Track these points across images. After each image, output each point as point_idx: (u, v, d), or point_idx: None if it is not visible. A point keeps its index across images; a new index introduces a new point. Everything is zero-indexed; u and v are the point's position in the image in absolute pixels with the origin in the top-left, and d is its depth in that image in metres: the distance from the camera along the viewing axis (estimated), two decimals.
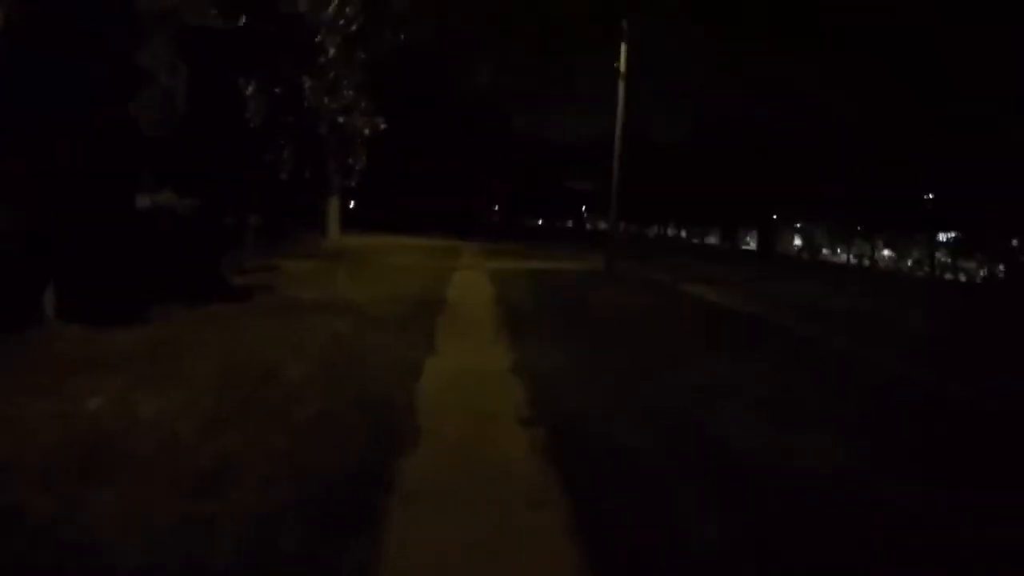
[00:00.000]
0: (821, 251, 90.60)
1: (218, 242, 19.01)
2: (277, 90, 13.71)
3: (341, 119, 15.56)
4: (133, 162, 12.14)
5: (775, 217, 71.90)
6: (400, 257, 26.43)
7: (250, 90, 13.07)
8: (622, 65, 20.91)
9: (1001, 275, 61.51)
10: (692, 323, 14.33)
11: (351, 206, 59.03)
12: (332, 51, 14.89)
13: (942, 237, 69.11)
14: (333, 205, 34.36)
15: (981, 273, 67.65)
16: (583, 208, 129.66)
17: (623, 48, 20.88)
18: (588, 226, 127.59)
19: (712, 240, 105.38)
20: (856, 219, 72.79)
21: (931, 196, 59.30)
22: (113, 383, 7.07)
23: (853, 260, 79.46)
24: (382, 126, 17.13)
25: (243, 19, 13.18)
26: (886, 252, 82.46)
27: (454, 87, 50.64)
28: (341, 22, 14.94)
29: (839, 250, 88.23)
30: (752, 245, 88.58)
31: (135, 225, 14.65)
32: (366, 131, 16.59)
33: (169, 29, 11.50)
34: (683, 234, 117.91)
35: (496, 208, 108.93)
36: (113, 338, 9.35)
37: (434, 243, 37.48)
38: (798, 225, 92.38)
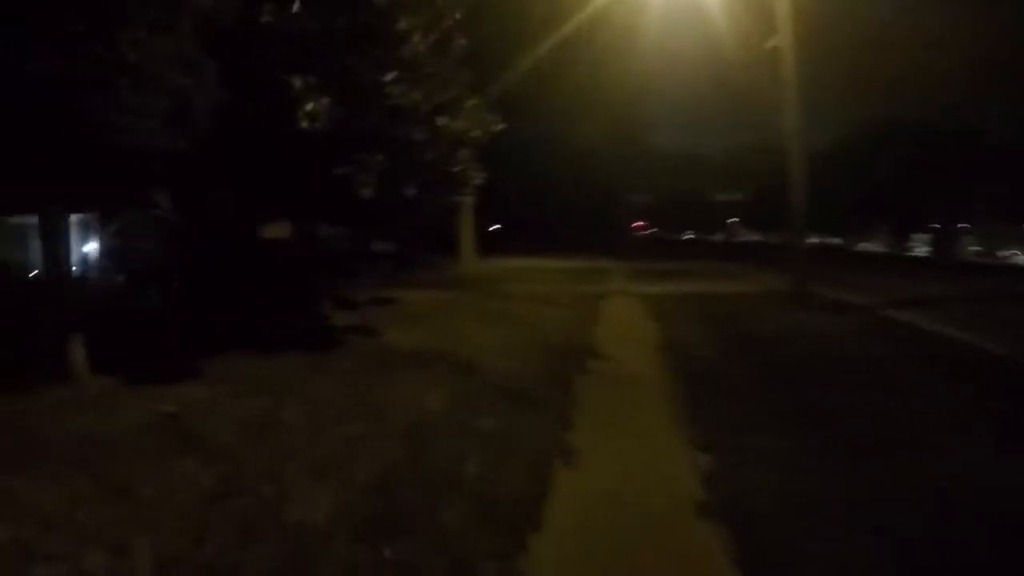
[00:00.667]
0: (996, 254, 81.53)
1: (318, 274, 16.06)
2: (346, 88, 10.19)
3: (440, 121, 11.91)
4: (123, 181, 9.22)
5: (952, 219, 65.28)
6: (540, 284, 22.63)
7: (299, 86, 9.59)
8: (784, 38, 16.30)
9: None
10: (965, 383, 9.59)
11: (492, 228, 56.36)
12: (418, 39, 11.33)
13: None
14: (466, 228, 30.98)
15: None
16: (731, 220, 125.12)
17: (783, 16, 16.25)
18: (738, 239, 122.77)
19: (868, 246, 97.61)
20: None
21: None
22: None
23: None
24: (498, 127, 13.38)
25: (296, 6, 9.81)
26: None
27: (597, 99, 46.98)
28: None
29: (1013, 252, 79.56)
30: (919, 250, 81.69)
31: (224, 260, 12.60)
32: (475, 134, 12.87)
33: (185, 19, 8.19)
34: (837, 241, 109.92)
35: (643, 224, 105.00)
36: (127, 405, 7.20)
37: (579, 265, 33.45)
38: (966, 226, 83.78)
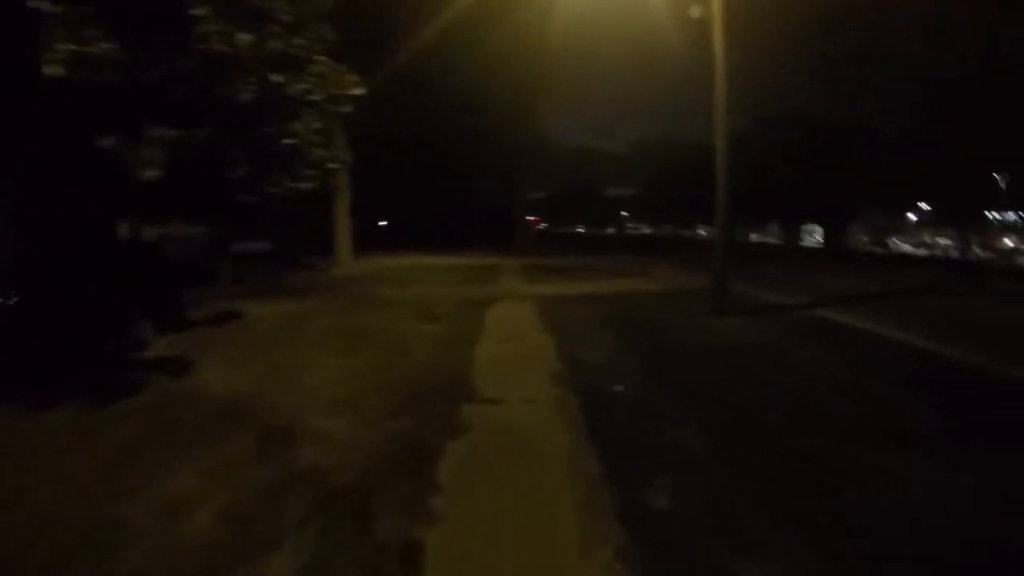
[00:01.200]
0: (884, 242, 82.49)
1: (149, 284, 12.97)
2: (133, 20, 6.94)
3: (276, 78, 8.78)
4: None
5: (841, 211, 65.45)
6: (422, 286, 19.58)
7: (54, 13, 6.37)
8: (715, 8, 13.80)
9: None
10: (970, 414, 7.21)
11: (381, 224, 53.25)
12: None
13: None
14: (342, 223, 27.66)
15: None
16: (623, 214, 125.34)
17: None
18: (629, 232, 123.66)
19: (759, 238, 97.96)
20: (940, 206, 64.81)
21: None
22: None
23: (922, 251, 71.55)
24: (357, 91, 10.33)
25: None
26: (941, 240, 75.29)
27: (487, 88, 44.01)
28: None
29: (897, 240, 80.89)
30: (809, 241, 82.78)
31: None
32: (318, 97, 9.65)
33: None
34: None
35: (536, 218, 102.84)
36: None
37: (468, 262, 30.55)
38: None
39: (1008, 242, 64.37)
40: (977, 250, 66.37)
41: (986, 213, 59.68)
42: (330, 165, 10.68)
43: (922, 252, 67.79)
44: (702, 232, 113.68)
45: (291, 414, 6.79)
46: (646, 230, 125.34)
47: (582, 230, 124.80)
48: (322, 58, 9.76)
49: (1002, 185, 51.27)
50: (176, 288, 15.23)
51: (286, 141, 9.56)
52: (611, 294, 17.76)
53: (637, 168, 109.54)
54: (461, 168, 48.39)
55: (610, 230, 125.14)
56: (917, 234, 78.87)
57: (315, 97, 9.69)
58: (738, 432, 6.28)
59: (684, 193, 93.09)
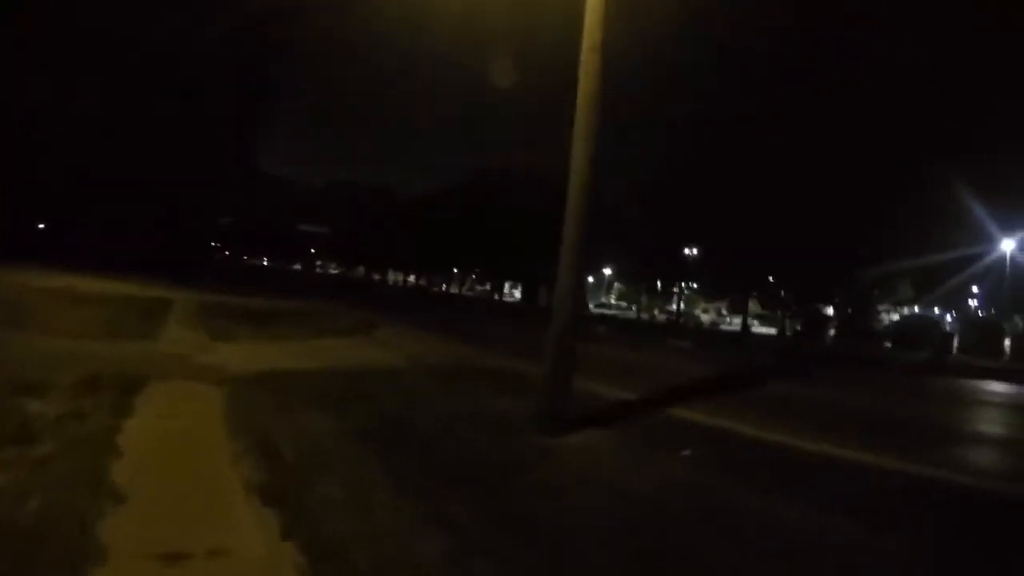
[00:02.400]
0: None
1: None
2: None
3: None
4: None
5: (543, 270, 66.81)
6: (44, 335, 11.70)
7: None
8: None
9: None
10: None
11: (40, 227, 42.83)
12: None
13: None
14: None
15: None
16: (313, 251, 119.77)
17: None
18: (319, 270, 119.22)
19: (457, 290, 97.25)
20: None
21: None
22: None
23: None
24: None
25: None
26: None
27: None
28: None
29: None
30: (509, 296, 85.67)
31: None
32: None
33: None
34: (422, 282, 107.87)
35: (217, 245, 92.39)
36: None
37: (135, 291, 22.33)
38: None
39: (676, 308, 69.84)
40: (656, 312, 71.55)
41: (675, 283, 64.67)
42: None
43: (609, 312, 71.54)
44: (393, 279, 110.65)
45: None
46: (333, 270, 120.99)
47: (267, 263, 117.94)
48: None
49: (688, 260, 57.35)
50: None
51: None
52: (345, 372, 11.52)
53: (333, 207, 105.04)
54: (146, 175, 39.40)
55: (297, 266, 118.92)
56: (595, 296, 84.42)
57: None
58: None
59: (383, 239, 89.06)
